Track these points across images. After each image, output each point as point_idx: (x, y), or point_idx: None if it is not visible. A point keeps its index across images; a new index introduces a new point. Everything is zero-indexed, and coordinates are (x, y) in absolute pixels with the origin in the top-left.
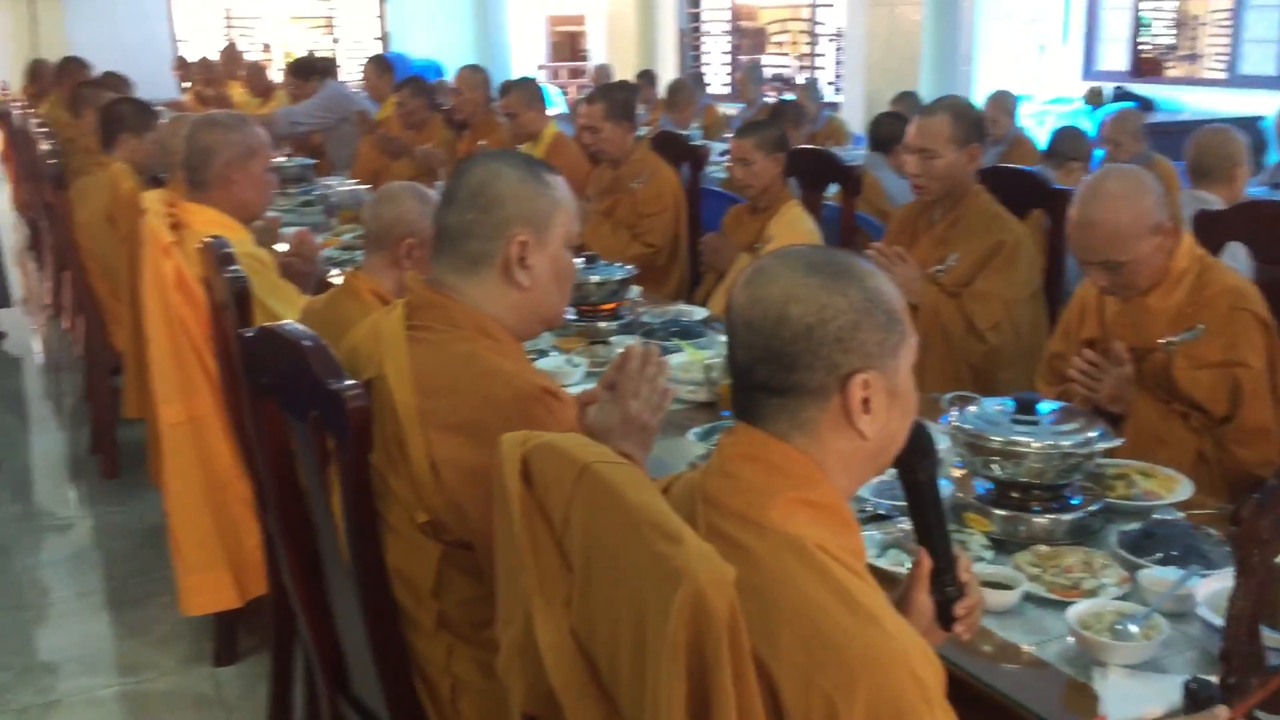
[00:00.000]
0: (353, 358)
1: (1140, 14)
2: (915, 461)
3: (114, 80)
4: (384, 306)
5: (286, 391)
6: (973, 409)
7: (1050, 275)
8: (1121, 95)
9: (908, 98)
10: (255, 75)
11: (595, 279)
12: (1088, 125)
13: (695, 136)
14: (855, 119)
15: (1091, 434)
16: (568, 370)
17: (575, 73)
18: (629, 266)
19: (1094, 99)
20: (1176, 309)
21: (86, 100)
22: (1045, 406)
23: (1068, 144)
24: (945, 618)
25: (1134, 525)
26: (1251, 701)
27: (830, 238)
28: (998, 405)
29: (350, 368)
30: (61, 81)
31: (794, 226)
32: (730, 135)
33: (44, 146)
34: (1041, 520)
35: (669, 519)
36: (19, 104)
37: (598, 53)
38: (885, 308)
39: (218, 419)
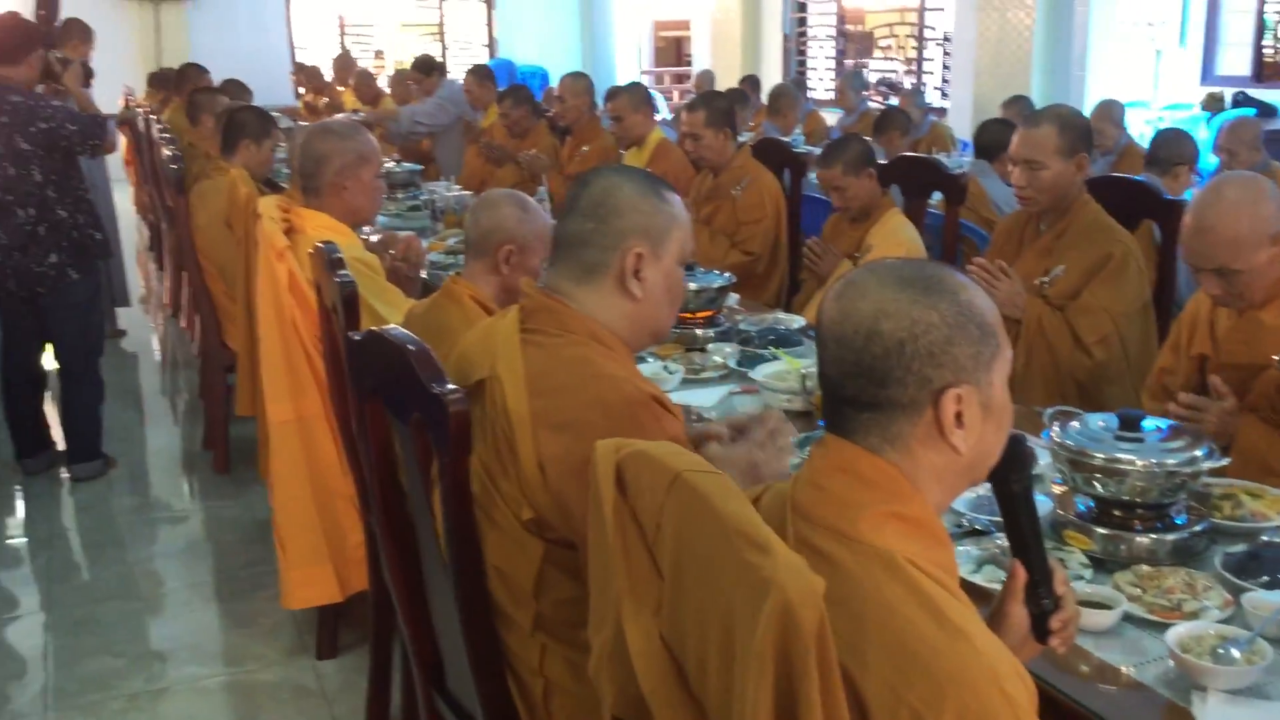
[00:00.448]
0: (463, 361)
1: (1265, 17)
2: (1010, 473)
3: (233, 87)
4: (484, 312)
5: (391, 393)
6: (1075, 425)
7: (1160, 288)
8: (1241, 101)
9: (1019, 102)
10: (364, 82)
11: (693, 286)
12: (1205, 133)
13: (798, 143)
14: (962, 125)
15: (1197, 453)
16: (664, 377)
17: (679, 78)
18: (727, 274)
19: (1212, 105)
20: None
21: (203, 106)
22: (1150, 423)
23: (1170, 149)
24: (1041, 630)
25: (1240, 547)
26: None
27: (933, 246)
28: (1101, 421)
29: (460, 371)
30: (181, 88)
31: (895, 235)
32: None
33: (166, 151)
34: (1144, 540)
35: (759, 529)
36: (144, 110)
37: (701, 58)
38: (978, 321)
39: (324, 419)
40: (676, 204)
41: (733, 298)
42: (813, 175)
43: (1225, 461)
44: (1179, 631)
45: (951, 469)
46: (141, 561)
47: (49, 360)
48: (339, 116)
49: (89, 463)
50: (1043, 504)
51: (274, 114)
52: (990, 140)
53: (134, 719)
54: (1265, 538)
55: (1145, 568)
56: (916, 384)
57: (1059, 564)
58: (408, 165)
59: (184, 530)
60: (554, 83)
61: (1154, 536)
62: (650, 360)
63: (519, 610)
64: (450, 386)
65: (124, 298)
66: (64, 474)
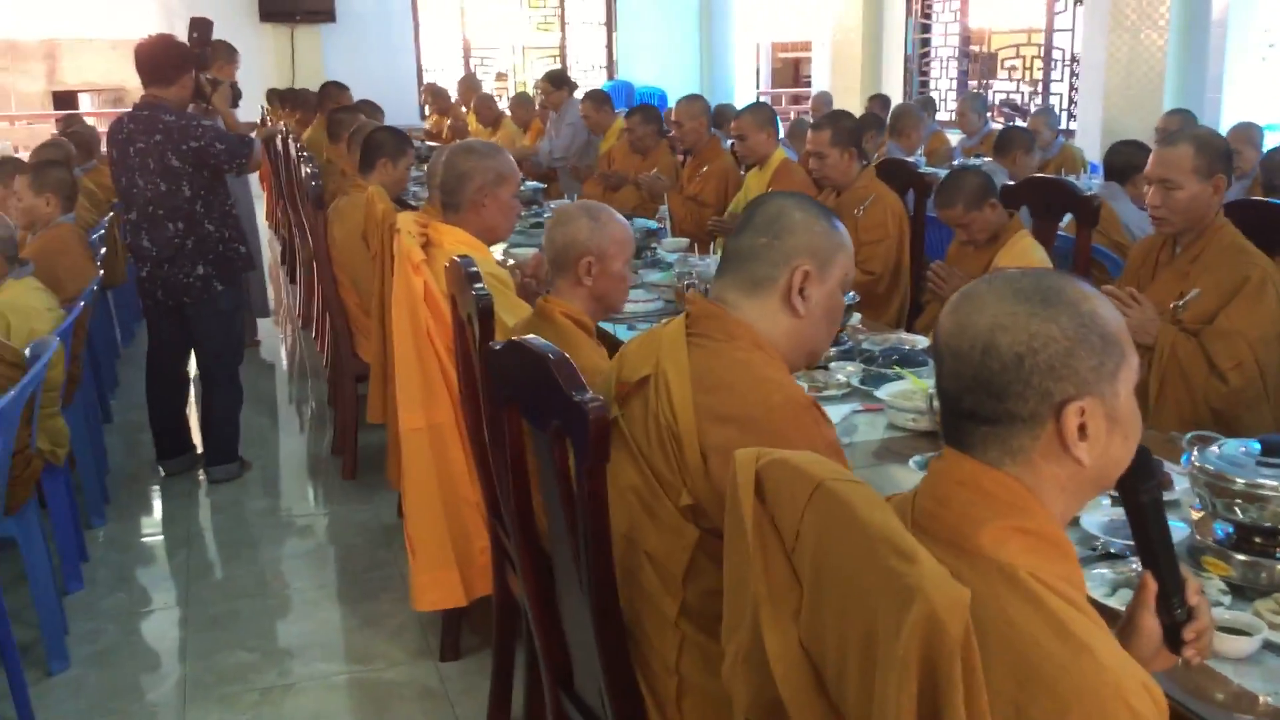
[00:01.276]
0: (623, 363)
1: None
2: (1138, 483)
3: (367, 107)
4: (577, 327)
5: (528, 402)
6: (1215, 450)
7: None
8: None
9: (1179, 114)
10: (484, 105)
11: None
12: None
13: (921, 164)
14: (1090, 146)
15: None
16: None
17: (796, 99)
18: (852, 293)
19: None
20: None
21: (343, 124)
22: None
23: None
24: (1174, 641)
25: None
26: None
27: (1063, 270)
28: (1242, 447)
29: (619, 372)
30: (323, 106)
31: (1024, 257)
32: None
33: (305, 169)
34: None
35: (904, 537)
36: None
37: (821, 79)
38: (1100, 332)
39: (454, 428)
40: (844, 232)
41: (855, 317)
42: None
43: None
44: None
45: (1075, 480)
46: (273, 562)
47: (192, 367)
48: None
49: (226, 465)
50: (1179, 530)
51: (414, 136)
52: (1122, 162)
53: (266, 712)
54: None
55: None
56: (1037, 398)
57: (1191, 574)
58: (531, 184)
59: (313, 533)
60: (672, 103)
61: None
62: None
63: (666, 597)
64: (590, 395)
65: (264, 309)
66: (201, 476)
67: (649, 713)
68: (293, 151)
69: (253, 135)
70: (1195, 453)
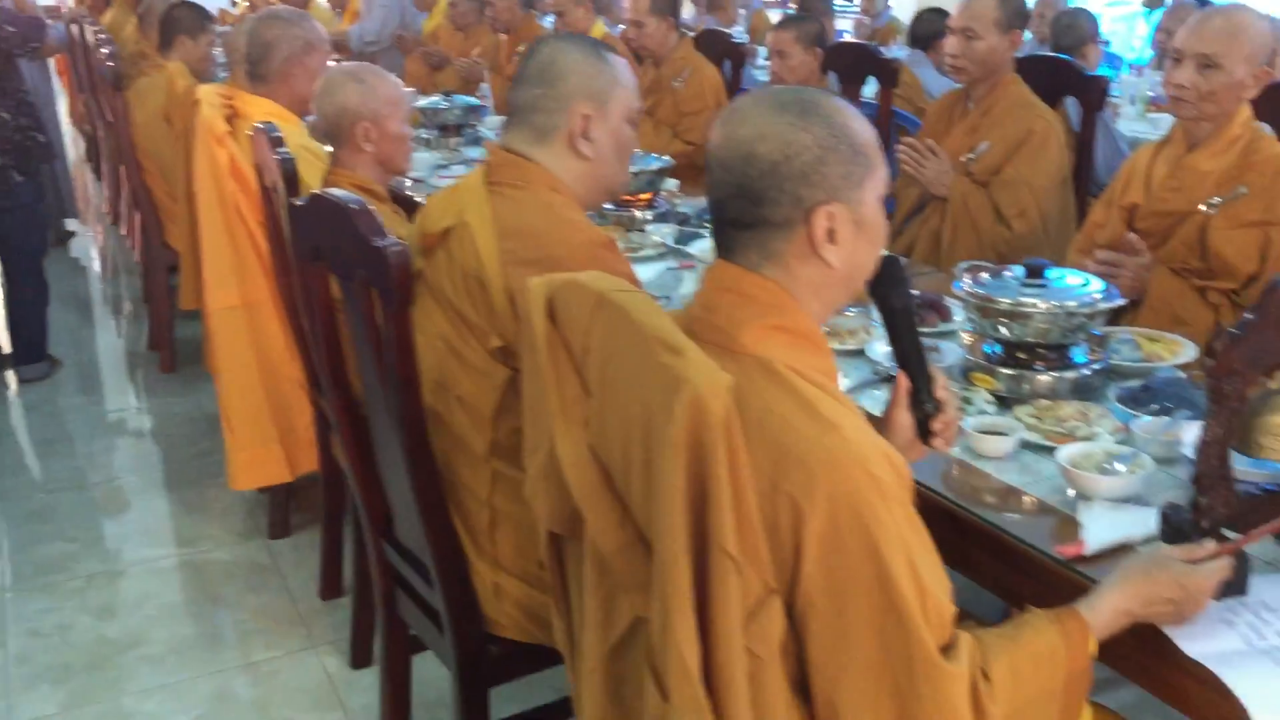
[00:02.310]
0: (425, 218)
1: None
2: (889, 290)
3: None
4: (369, 194)
5: (334, 255)
6: (985, 275)
7: (1079, 165)
8: None
9: None
10: None
11: (631, 169)
12: (1144, 29)
13: (744, 39)
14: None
15: (1096, 294)
16: None
17: None
18: (665, 157)
19: (1151, 1)
20: (1224, 172)
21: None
22: (1053, 271)
23: (1072, 32)
24: (925, 432)
25: (1134, 383)
26: (1244, 541)
27: None
28: (1009, 272)
29: (421, 227)
30: None
31: None
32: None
33: (103, 51)
34: (1045, 378)
35: (674, 335)
36: (78, 16)
37: None
38: (850, 142)
39: (271, 304)
40: (619, 65)
41: (672, 183)
42: (756, 73)
43: (1122, 301)
44: (1069, 450)
45: (827, 282)
46: (91, 455)
47: None
48: None
49: (35, 364)
50: (953, 352)
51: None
52: (925, 30)
53: (92, 597)
54: (1159, 375)
55: (1044, 401)
56: (790, 202)
57: (939, 371)
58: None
59: (133, 426)
60: None
61: (1054, 375)
62: None
63: (477, 436)
64: (391, 239)
65: (71, 208)
66: (9, 375)
67: (464, 546)
68: (89, 35)
69: (47, 19)
70: (967, 278)
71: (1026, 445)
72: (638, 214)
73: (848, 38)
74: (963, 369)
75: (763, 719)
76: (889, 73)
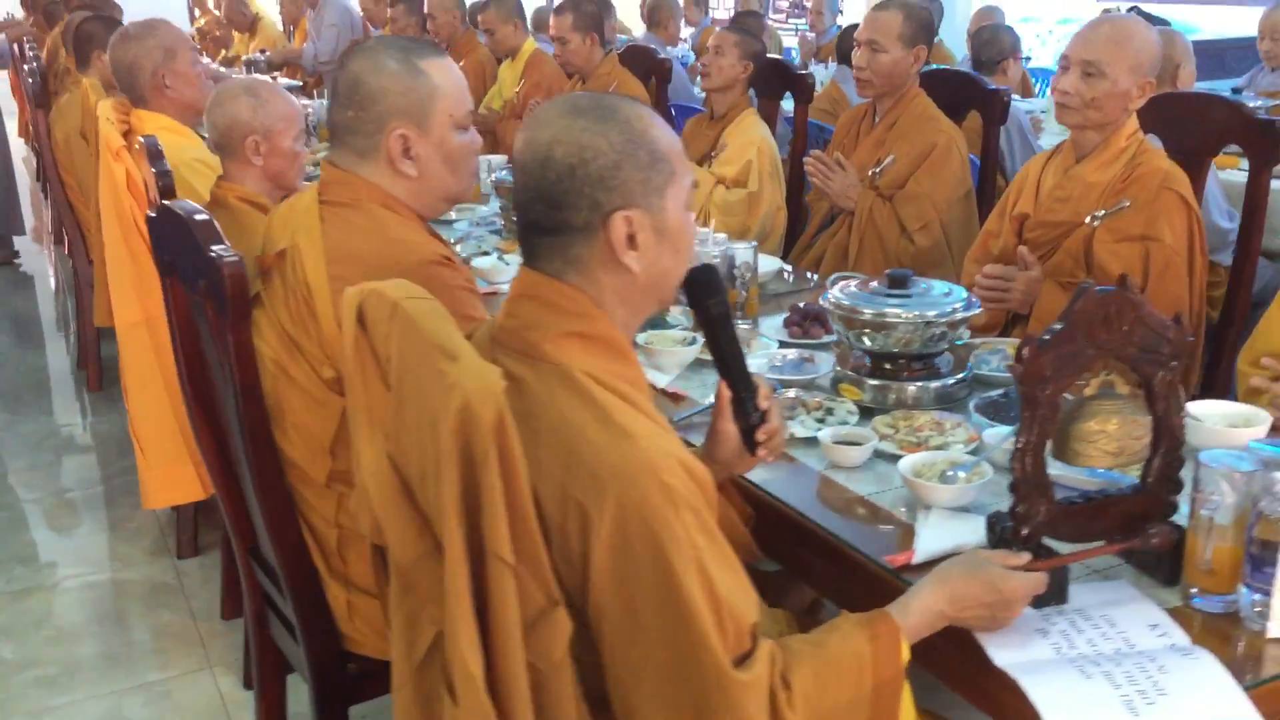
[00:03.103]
0: (266, 237)
1: None
2: (706, 299)
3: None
4: (254, 208)
5: (184, 266)
6: (851, 286)
7: (984, 176)
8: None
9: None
10: (233, 9)
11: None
12: None
13: (690, 59)
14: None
15: (956, 304)
16: (500, 268)
17: None
18: None
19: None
20: (1109, 185)
21: (58, 20)
22: (916, 281)
23: (990, 48)
24: (750, 443)
25: (995, 392)
26: (1061, 561)
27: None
28: (874, 283)
29: (264, 246)
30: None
31: (748, 134)
32: None
33: (25, 68)
34: (910, 388)
35: (452, 341)
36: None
37: None
38: (650, 149)
39: None
40: (437, 72)
41: None
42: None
43: (978, 310)
44: (913, 459)
45: (632, 290)
46: (13, 474)
47: None
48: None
49: None
50: (827, 363)
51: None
52: (848, 46)
53: None
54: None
55: (902, 411)
56: (589, 207)
57: (762, 380)
58: (286, 81)
59: (56, 444)
60: None
61: (919, 385)
62: (493, 254)
63: (314, 465)
64: (226, 249)
65: (19, 226)
66: None
67: (316, 563)
68: (28, 53)
69: None
70: (834, 290)
71: (881, 455)
72: None
73: (794, 54)
74: (833, 380)
75: None
76: (805, 88)
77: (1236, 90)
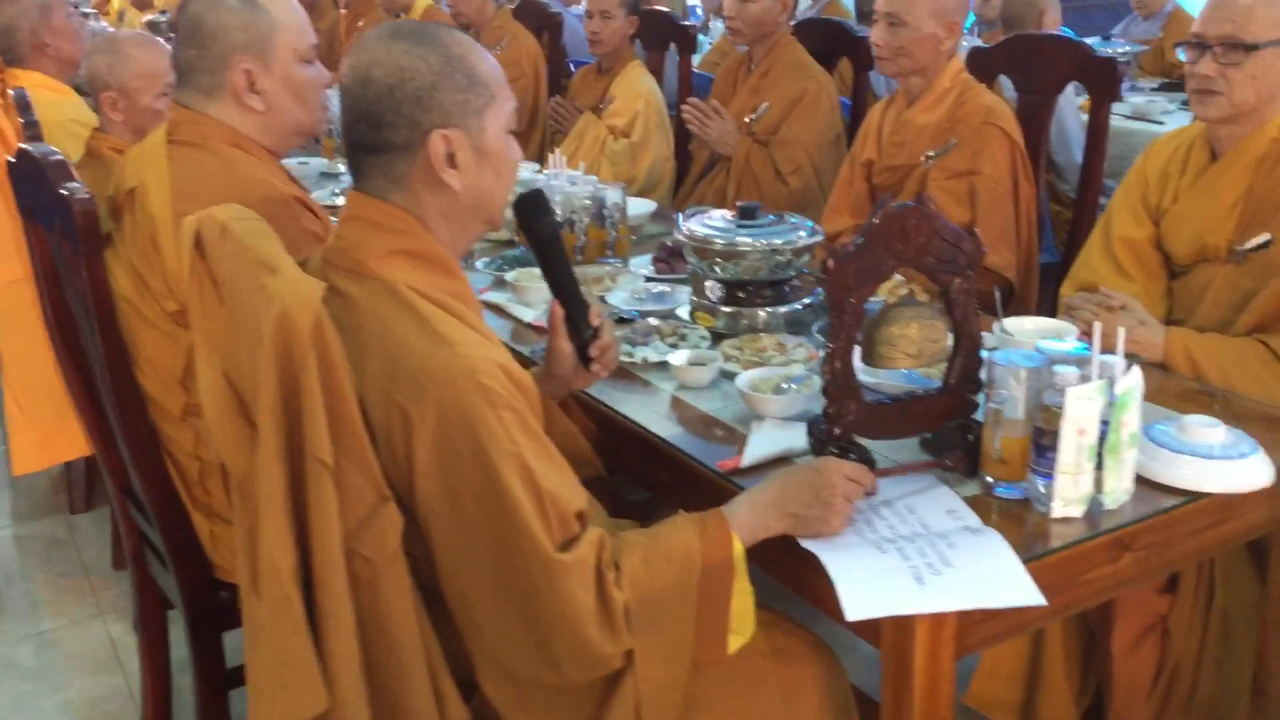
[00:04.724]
0: (119, 177)
1: None
2: (535, 221)
3: None
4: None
5: (40, 208)
6: (704, 218)
7: (855, 120)
8: None
9: None
10: None
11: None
12: None
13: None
14: None
15: (802, 232)
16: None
17: None
18: None
19: None
20: (937, 125)
21: None
22: (767, 214)
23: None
24: (585, 358)
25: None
26: (890, 472)
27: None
28: (725, 215)
29: (116, 186)
30: None
31: (635, 85)
32: None
33: None
34: (761, 314)
35: (272, 256)
36: None
37: None
38: (468, 73)
39: None
40: (275, 7)
41: None
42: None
43: (820, 238)
44: (751, 375)
45: (455, 208)
46: None
47: None
48: None
49: None
50: (685, 293)
51: None
52: None
53: None
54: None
55: (749, 335)
56: (408, 126)
57: (593, 299)
58: None
59: None
60: None
61: (769, 310)
62: None
63: (169, 399)
64: (77, 186)
65: None
66: None
67: (181, 495)
68: None
69: None
70: (687, 223)
71: (728, 376)
72: None
73: (699, 11)
74: (690, 310)
75: (383, 620)
76: (687, 39)
77: (1107, 37)
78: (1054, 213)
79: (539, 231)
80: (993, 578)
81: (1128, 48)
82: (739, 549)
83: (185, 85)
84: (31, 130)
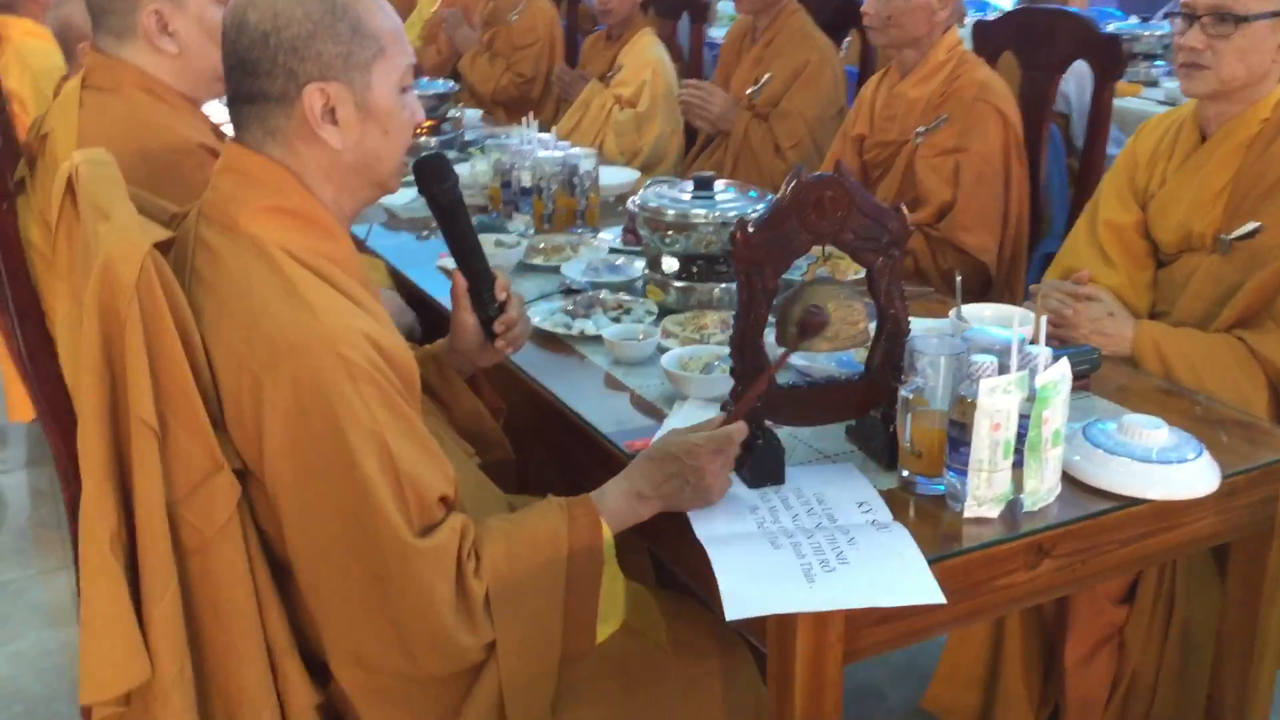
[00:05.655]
0: (38, 121)
1: None
2: (436, 187)
3: None
4: None
5: None
6: (658, 189)
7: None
8: None
9: None
10: None
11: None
12: None
13: None
14: None
15: (759, 205)
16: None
17: None
18: (450, 82)
19: None
20: (929, 100)
21: None
22: (723, 184)
23: None
24: (490, 334)
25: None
26: (741, 409)
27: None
28: (681, 186)
29: (31, 132)
30: None
31: (644, 55)
32: None
33: None
34: (715, 289)
35: (108, 201)
36: None
37: None
38: (352, 23)
39: None
40: None
41: (474, 113)
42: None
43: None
44: (680, 353)
45: (338, 167)
46: None
47: None
48: None
49: None
50: (641, 266)
51: None
52: None
53: None
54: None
55: (694, 311)
56: (285, 76)
57: (500, 271)
58: None
59: None
60: None
61: (722, 286)
62: None
63: None
64: None
65: None
66: None
67: None
68: None
69: None
70: (641, 192)
71: (665, 350)
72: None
73: None
74: (643, 283)
75: (214, 594)
76: (700, 8)
77: (1146, 18)
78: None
79: (439, 198)
80: (890, 576)
81: (1168, 29)
82: (608, 536)
83: (99, 28)
84: None
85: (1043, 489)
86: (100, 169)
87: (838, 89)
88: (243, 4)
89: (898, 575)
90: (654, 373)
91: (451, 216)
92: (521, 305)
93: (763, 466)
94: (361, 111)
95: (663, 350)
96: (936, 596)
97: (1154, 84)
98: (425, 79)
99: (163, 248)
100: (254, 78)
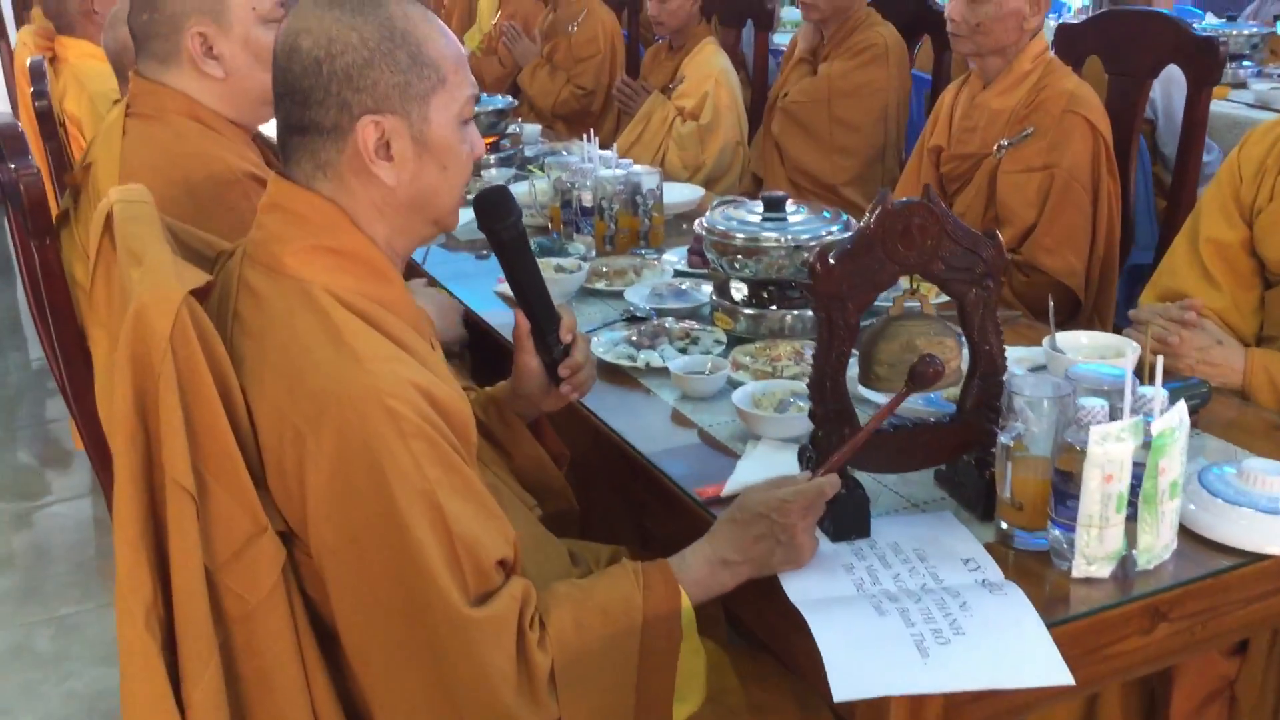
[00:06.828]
0: (85, 152)
1: None
2: (496, 223)
3: None
4: None
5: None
6: (729, 209)
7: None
8: None
9: None
10: None
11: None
12: None
13: None
14: None
15: (834, 227)
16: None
17: None
18: (509, 98)
19: None
20: (1013, 111)
21: None
22: (793, 205)
23: None
24: (555, 377)
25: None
26: (835, 463)
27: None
28: (753, 206)
29: (78, 162)
30: None
31: (707, 65)
32: None
33: None
34: (788, 317)
35: (141, 244)
36: None
37: None
38: (412, 52)
39: None
40: None
41: (532, 128)
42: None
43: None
44: (752, 388)
45: (391, 204)
46: None
47: None
48: None
49: None
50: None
51: None
52: None
53: None
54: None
55: (765, 341)
56: (338, 107)
57: (567, 310)
58: None
59: None
60: None
61: (795, 314)
62: None
63: None
64: (29, 162)
65: None
66: None
67: None
68: None
69: None
70: (708, 215)
71: (734, 384)
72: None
73: None
74: (711, 309)
75: (259, 664)
76: (765, 15)
77: (1231, 17)
78: (1160, 209)
79: (500, 235)
80: (1013, 652)
81: (1256, 29)
82: (687, 605)
83: (142, 53)
84: (40, 100)
85: (1158, 545)
86: (134, 208)
87: (903, 75)
88: (295, 28)
89: (1021, 651)
90: (724, 408)
91: (513, 253)
92: (588, 347)
93: (848, 518)
94: (418, 145)
95: (733, 384)
96: (1066, 678)
97: (1243, 86)
98: (484, 94)
99: (202, 292)
100: (305, 108)
